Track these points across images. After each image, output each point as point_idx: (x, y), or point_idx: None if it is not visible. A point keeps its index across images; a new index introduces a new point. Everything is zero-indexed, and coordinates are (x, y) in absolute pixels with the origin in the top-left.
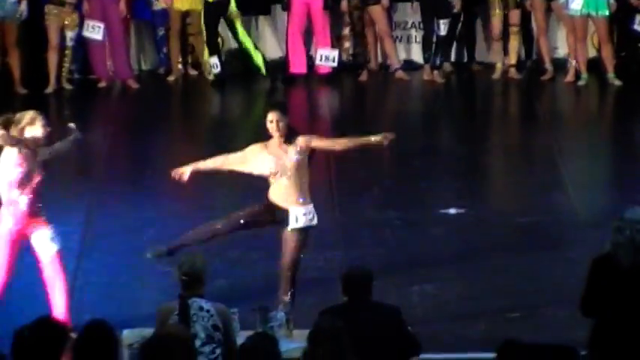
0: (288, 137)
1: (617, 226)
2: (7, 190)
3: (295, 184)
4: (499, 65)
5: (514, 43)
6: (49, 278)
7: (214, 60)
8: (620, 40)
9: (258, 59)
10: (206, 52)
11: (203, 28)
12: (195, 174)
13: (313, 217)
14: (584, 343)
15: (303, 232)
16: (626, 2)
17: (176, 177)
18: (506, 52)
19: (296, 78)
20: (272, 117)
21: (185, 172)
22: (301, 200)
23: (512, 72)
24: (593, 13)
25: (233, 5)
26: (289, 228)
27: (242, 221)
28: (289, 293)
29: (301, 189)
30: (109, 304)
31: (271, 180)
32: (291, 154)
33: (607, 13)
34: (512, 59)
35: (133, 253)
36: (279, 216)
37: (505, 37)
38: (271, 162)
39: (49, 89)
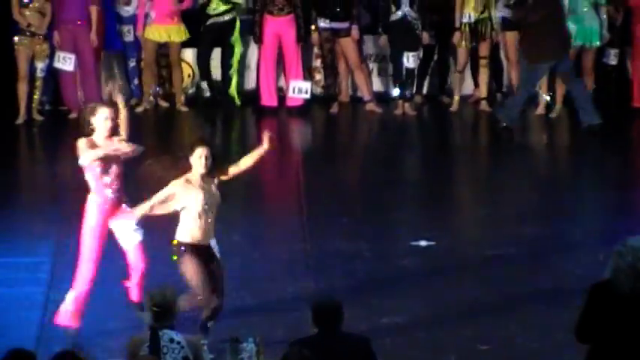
0: (208, 172)
1: (619, 252)
2: (93, 184)
3: (214, 219)
4: (457, 98)
5: (484, 76)
6: (133, 263)
7: (205, 85)
8: (594, 72)
9: (234, 90)
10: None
11: (196, 54)
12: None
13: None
14: None
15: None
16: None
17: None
18: (476, 84)
19: (267, 109)
20: (202, 153)
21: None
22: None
23: (484, 104)
24: (587, 45)
25: (237, 32)
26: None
27: (211, 288)
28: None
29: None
30: (80, 335)
31: (195, 217)
32: (214, 189)
33: (598, 44)
34: (483, 92)
35: (102, 284)
36: (203, 255)
37: (474, 69)
38: (203, 197)
39: (20, 120)
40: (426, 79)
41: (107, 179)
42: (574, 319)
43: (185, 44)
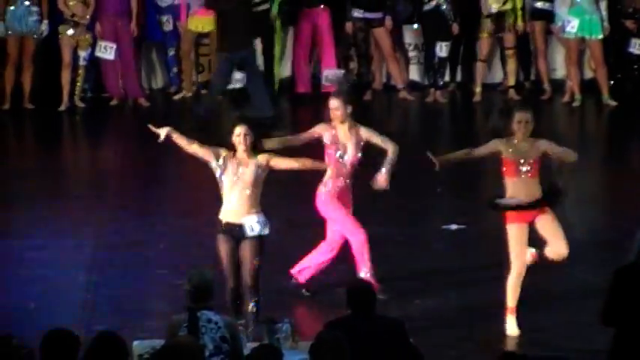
0: (252, 151)
1: None
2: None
3: (249, 197)
4: (478, 89)
5: (511, 65)
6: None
7: (240, 75)
8: (617, 62)
9: (276, 79)
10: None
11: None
12: (170, 137)
13: (265, 225)
14: (582, 356)
15: (258, 240)
16: (622, 26)
17: (153, 131)
18: (505, 73)
19: (302, 97)
20: (240, 130)
21: (162, 132)
22: (254, 210)
23: (512, 93)
24: (587, 37)
25: (274, 9)
26: (247, 236)
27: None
28: (253, 303)
29: (254, 201)
30: (120, 316)
31: (226, 192)
32: (252, 168)
33: (600, 36)
34: (511, 81)
35: (143, 266)
36: (236, 235)
37: (503, 59)
38: (232, 170)
39: (63, 107)
40: (458, 68)
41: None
42: (598, 304)
43: None
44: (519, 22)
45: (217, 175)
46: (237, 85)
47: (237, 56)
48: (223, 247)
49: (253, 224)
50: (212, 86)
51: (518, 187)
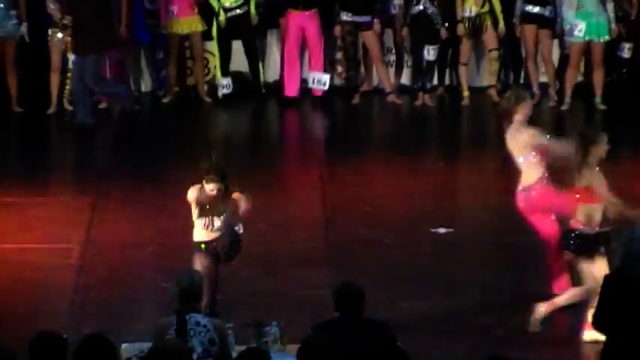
0: (224, 198)
1: (631, 237)
2: None
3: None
4: (466, 93)
5: (493, 68)
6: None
7: (226, 81)
8: (607, 66)
9: (261, 77)
10: (218, 72)
11: (215, 49)
12: None
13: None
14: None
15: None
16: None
17: None
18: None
19: (291, 100)
20: (213, 187)
21: None
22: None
23: (493, 93)
24: (595, 39)
25: (252, 11)
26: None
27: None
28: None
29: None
30: (108, 318)
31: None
32: (224, 217)
33: (607, 38)
34: (493, 81)
35: (131, 269)
36: (213, 252)
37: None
38: (206, 215)
39: (51, 110)
40: (446, 71)
41: None
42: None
43: (208, 37)
44: (500, 25)
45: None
46: (225, 91)
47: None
48: (200, 263)
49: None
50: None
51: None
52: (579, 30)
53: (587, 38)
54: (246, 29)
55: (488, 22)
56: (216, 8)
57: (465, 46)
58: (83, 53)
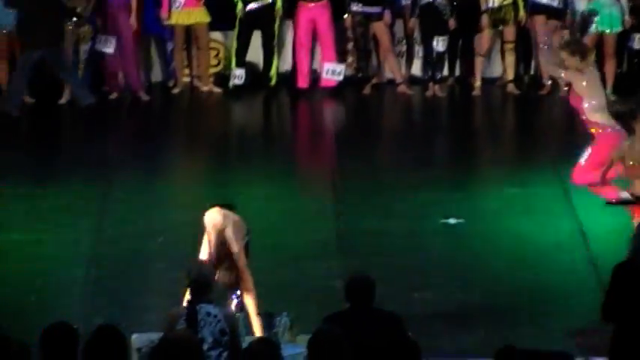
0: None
1: (639, 233)
2: None
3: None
4: (478, 83)
5: (510, 59)
6: None
7: (240, 72)
8: (618, 57)
9: (274, 69)
10: (232, 62)
11: (234, 38)
12: None
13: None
14: (581, 350)
15: None
16: (623, 21)
17: None
18: (504, 68)
19: (302, 92)
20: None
21: None
22: None
23: (511, 87)
24: (607, 31)
25: (279, 5)
26: None
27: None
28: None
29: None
30: (119, 309)
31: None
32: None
33: (620, 29)
34: (510, 75)
35: (142, 259)
36: None
37: (503, 53)
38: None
39: (63, 100)
40: (457, 62)
41: None
42: (599, 297)
43: (218, 27)
44: (521, 14)
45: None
46: (237, 82)
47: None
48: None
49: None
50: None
51: None
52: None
53: (599, 29)
54: (267, 21)
55: (511, 15)
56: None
57: (485, 38)
58: (27, 48)
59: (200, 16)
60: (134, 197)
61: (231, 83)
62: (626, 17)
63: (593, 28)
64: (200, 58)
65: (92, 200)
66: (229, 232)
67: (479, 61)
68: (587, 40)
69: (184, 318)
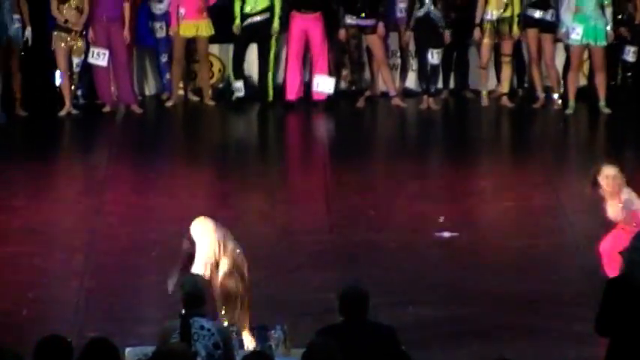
0: None
1: (635, 246)
2: None
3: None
4: (485, 92)
5: (506, 72)
6: None
7: (239, 84)
8: (611, 69)
9: (270, 84)
10: (232, 75)
11: (230, 53)
12: None
13: None
14: None
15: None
16: (617, 33)
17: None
18: (498, 80)
19: (292, 104)
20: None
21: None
22: None
23: (505, 100)
24: (592, 43)
25: (276, 24)
26: None
27: None
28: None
29: None
30: (112, 322)
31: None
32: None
33: (605, 43)
34: (505, 88)
35: (135, 273)
36: None
37: (497, 66)
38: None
39: (64, 112)
40: (450, 75)
41: None
42: (593, 311)
43: (212, 40)
44: (515, 29)
45: None
46: (238, 94)
47: None
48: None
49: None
50: None
51: None
52: (577, 33)
53: (584, 41)
54: (263, 35)
55: (507, 28)
56: (236, 13)
57: (485, 49)
58: None
59: (204, 28)
60: (127, 211)
61: (234, 96)
62: (609, 31)
63: (577, 39)
64: (201, 70)
65: (85, 213)
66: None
67: (482, 73)
68: (573, 51)
69: (178, 331)
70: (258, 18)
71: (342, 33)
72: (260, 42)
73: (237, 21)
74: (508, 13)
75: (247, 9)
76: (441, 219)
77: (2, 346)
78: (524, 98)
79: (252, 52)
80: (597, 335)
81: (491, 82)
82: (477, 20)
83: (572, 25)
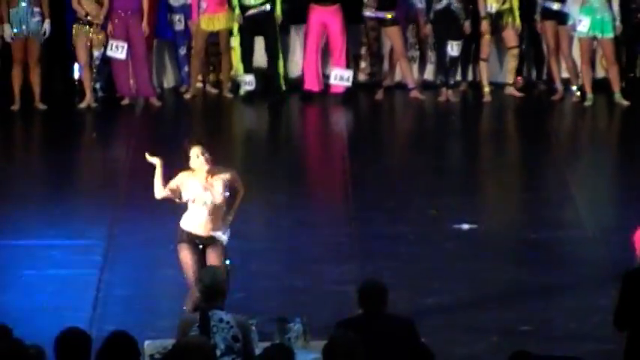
0: (214, 168)
1: None
2: None
3: (220, 216)
4: (487, 89)
5: (512, 64)
6: None
7: (249, 78)
8: (628, 60)
9: (281, 76)
10: (240, 68)
11: (237, 46)
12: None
13: (229, 234)
14: (593, 356)
15: (223, 246)
16: (634, 23)
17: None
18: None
19: (311, 95)
20: (197, 152)
21: (155, 161)
22: (223, 229)
23: (510, 90)
24: (599, 35)
25: (279, 12)
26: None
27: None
28: None
29: (222, 216)
30: (131, 315)
31: (192, 208)
32: (219, 189)
33: (612, 34)
34: (510, 79)
35: (154, 265)
36: (202, 244)
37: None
38: (197, 189)
39: (84, 104)
40: (469, 67)
41: None
42: (610, 303)
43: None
44: (517, 22)
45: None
46: (248, 88)
47: None
48: (188, 255)
49: (222, 237)
50: None
51: None
52: (583, 25)
53: (590, 33)
54: (267, 27)
55: (508, 20)
56: (234, 3)
57: (486, 42)
58: None
59: (225, 21)
60: (146, 203)
61: (242, 90)
62: (617, 23)
63: (584, 31)
64: (223, 63)
65: (104, 206)
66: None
67: (482, 67)
68: (582, 43)
69: (197, 324)
70: (256, 10)
71: (361, 25)
72: (264, 35)
73: (237, 10)
74: (507, 6)
75: (247, 0)
76: (433, 211)
77: (22, 341)
78: (542, 91)
79: (259, 45)
80: (616, 329)
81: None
82: (482, 13)
83: (579, 17)
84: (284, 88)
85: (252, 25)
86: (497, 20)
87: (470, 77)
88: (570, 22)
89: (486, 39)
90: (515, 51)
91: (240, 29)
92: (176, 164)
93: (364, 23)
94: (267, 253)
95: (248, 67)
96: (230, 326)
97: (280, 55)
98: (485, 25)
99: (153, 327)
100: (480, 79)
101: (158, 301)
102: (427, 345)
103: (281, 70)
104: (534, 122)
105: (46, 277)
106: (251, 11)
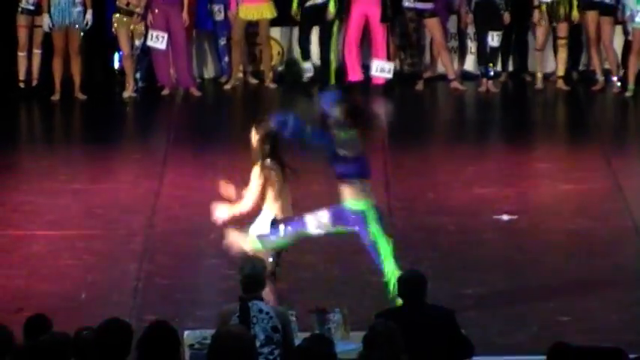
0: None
1: None
2: None
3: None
4: (539, 75)
5: (562, 55)
6: None
7: (308, 65)
8: None
9: (332, 68)
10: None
11: (290, 36)
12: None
13: None
14: (634, 347)
15: None
16: None
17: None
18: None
19: (354, 85)
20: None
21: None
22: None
23: (560, 83)
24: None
25: (332, 8)
26: None
27: None
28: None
29: None
30: (171, 305)
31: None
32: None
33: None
34: (561, 71)
35: (194, 256)
36: None
37: (555, 48)
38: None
39: (126, 94)
40: (509, 58)
41: None
42: None
43: (273, 23)
44: (574, 13)
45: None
46: (308, 75)
47: None
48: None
49: None
50: None
51: None
52: None
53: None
54: (323, 19)
55: (563, 10)
56: None
57: (540, 32)
58: None
59: (267, 11)
60: (186, 193)
61: (305, 77)
62: None
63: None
64: (263, 53)
65: (144, 196)
66: None
67: (538, 55)
68: (636, 34)
69: (237, 314)
70: (316, 1)
71: (401, 17)
72: (322, 26)
73: (295, 6)
74: None
75: None
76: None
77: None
78: (581, 81)
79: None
80: None
81: (551, 64)
82: (535, 2)
83: (636, 8)
84: (333, 81)
85: (311, 16)
86: (553, 10)
87: (510, 68)
88: (628, 14)
89: (541, 29)
90: (564, 42)
91: (301, 18)
92: (215, 154)
93: (403, 14)
94: (307, 244)
95: (306, 55)
96: (270, 317)
97: (334, 48)
98: (537, 15)
99: (192, 317)
100: (527, 67)
101: (198, 291)
102: (467, 336)
103: (333, 63)
104: (576, 112)
105: (86, 266)
106: (310, 1)
